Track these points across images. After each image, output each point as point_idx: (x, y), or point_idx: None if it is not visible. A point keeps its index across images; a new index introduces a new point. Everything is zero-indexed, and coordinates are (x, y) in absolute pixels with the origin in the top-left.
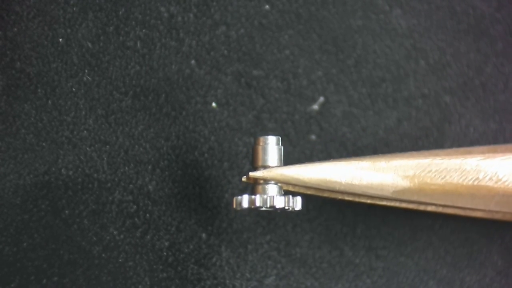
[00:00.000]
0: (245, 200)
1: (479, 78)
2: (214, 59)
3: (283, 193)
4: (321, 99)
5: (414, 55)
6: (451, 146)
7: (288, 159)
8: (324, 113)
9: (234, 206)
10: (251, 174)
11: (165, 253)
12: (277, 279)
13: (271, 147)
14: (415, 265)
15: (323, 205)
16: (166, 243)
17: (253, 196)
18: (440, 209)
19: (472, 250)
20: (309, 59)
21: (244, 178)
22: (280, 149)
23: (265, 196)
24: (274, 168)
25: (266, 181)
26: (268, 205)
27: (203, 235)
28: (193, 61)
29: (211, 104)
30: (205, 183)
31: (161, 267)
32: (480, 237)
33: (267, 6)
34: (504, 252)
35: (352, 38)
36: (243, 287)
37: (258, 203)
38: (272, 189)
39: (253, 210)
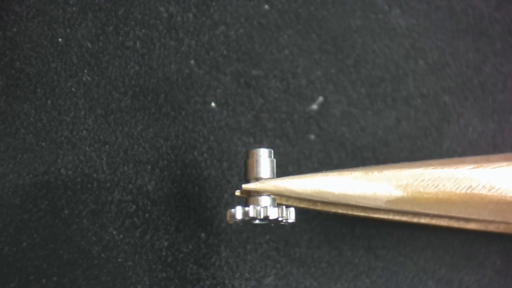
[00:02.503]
0: (238, 212)
1: (478, 78)
2: (214, 59)
3: (276, 205)
4: (320, 99)
5: (413, 55)
6: (450, 146)
7: (287, 159)
8: (323, 113)
9: (228, 218)
10: (244, 186)
11: (164, 253)
12: (276, 279)
13: (263, 160)
14: (414, 265)
15: None
16: (165, 243)
17: (246, 208)
18: (433, 221)
19: (471, 250)
20: (308, 59)
21: (237, 192)
22: (272, 161)
23: (258, 208)
24: (267, 180)
25: (259, 193)
26: (262, 216)
27: (202, 234)
28: (192, 61)
29: (210, 104)
30: (205, 183)
31: (160, 267)
32: (478, 237)
33: (266, 6)
34: (503, 252)
35: (351, 38)
36: (242, 287)
37: (251, 214)
38: (265, 201)
39: (247, 222)
